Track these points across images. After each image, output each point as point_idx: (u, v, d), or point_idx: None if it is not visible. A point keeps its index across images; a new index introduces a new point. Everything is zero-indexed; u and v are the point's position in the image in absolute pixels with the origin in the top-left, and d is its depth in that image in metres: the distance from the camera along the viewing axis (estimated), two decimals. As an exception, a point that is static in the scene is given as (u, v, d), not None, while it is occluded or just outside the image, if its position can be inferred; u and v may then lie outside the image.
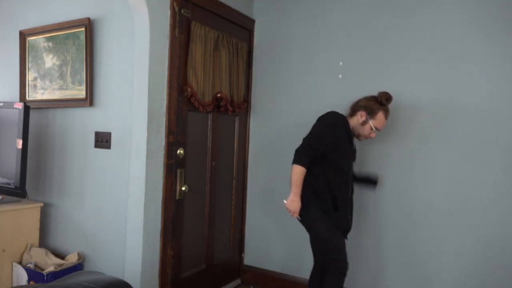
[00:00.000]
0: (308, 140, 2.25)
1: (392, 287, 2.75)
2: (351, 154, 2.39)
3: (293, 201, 2.23)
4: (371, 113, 2.33)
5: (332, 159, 2.27)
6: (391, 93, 2.62)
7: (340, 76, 2.91)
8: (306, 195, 2.27)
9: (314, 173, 2.29)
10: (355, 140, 2.44)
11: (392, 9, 2.75)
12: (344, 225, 2.35)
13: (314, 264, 2.48)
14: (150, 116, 2.38)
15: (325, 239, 2.26)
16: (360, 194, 2.81)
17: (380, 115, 2.33)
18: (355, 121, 2.37)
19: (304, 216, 2.30)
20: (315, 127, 2.31)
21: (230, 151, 3.18)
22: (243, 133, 3.28)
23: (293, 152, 2.29)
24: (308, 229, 2.35)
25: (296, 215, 2.25)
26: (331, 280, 2.26)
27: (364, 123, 2.35)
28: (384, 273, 2.78)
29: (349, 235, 2.52)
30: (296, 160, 2.22)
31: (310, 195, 2.28)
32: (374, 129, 2.35)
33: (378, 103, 2.34)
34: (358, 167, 2.84)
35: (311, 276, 2.49)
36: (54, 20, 2.87)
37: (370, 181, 2.61)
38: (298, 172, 2.21)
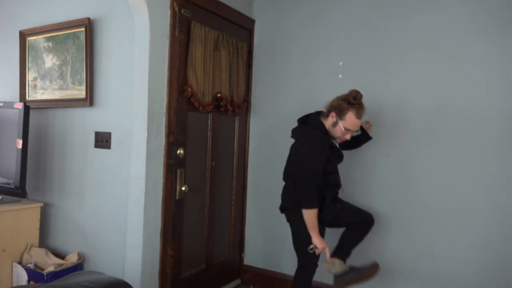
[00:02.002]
0: (307, 176, 2.20)
1: (392, 287, 2.75)
2: (336, 158, 2.35)
3: (319, 240, 2.25)
4: (340, 114, 2.22)
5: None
6: (391, 93, 2.63)
7: (340, 76, 2.91)
8: (289, 202, 2.37)
9: (294, 186, 2.33)
10: None
11: (392, 9, 2.75)
12: (332, 213, 2.35)
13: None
14: (150, 116, 2.38)
15: (302, 241, 2.33)
16: (360, 194, 2.82)
17: (350, 115, 2.20)
18: (328, 123, 2.28)
19: (291, 220, 2.41)
20: (303, 159, 2.23)
21: (230, 151, 3.18)
22: (243, 133, 3.27)
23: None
24: (292, 230, 2.43)
25: (324, 249, 2.27)
26: (298, 275, 2.40)
27: (334, 124, 2.25)
28: (384, 273, 2.78)
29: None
30: (306, 205, 2.21)
31: (292, 201, 2.34)
32: (344, 130, 2.23)
33: (347, 102, 2.22)
34: (357, 168, 2.84)
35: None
36: (54, 20, 2.87)
37: (362, 138, 2.57)
38: (312, 216, 2.21)
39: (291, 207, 2.38)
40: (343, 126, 2.23)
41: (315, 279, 2.46)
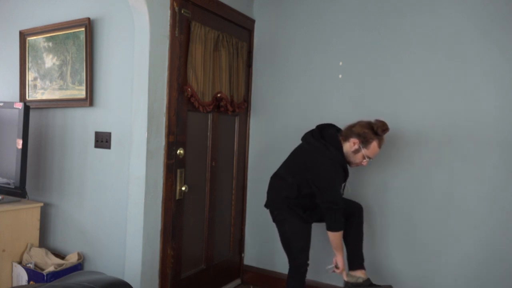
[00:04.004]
0: (332, 199, 2.23)
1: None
2: (346, 179, 2.39)
3: (340, 261, 2.34)
4: (364, 142, 2.23)
5: None
6: (391, 93, 2.63)
7: (340, 76, 2.91)
8: (277, 200, 2.40)
9: (290, 183, 2.36)
10: None
11: (392, 9, 2.75)
12: (319, 216, 2.39)
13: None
14: (150, 116, 2.38)
15: (289, 240, 2.38)
16: (359, 194, 2.82)
17: (374, 144, 2.24)
18: (347, 147, 2.29)
19: (276, 220, 2.44)
20: (327, 180, 2.25)
21: (230, 151, 3.18)
22: (243, 133, 3.27)
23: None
24: (278, 230, 2.45)
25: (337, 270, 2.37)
26: (290, 275, 2.41)
27: (356, 151, 2.26)
28: (384, 273, 2.78)
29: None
30: (332, 227, 2.27)
31: (282, 204, 2.38)
32: (366, 158, 2.27)
33: (373, 132, 2.23)
34: (356, 169, 2.84)
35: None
36: (54, 20, 2.87)
37: None
38: (338, 237, 2.29)
39: (279, 207, 2.40)
40: (366, 154, 2.26)
41: (310, 278, 2.47)
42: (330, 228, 2.27)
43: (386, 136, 2.71)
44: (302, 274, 2.39)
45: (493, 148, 2.46)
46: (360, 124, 2.29)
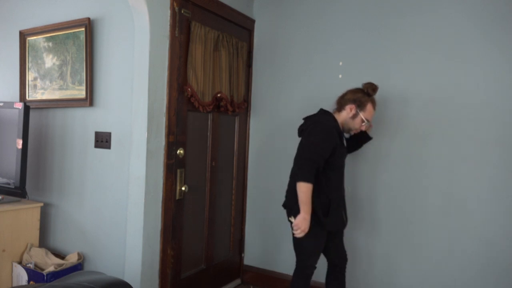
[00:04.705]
0: (308, 155, 2.20)
1: (391, 283, 2.75)
2: (344, 154, 2.38)
3: (305, 219, 2.18)
4: (360, 106, 2.31)
5: (326, 161, 2.26)
6: (391, 93, 2.63)
7: (340, 76, 2.91)
8: (296, 204, 2.27)
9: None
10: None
11: (392, 9, 2.75)
12: (338, 225, 2.38)
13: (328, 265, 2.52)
14: (150, 116, 2.38)
15: (301, 241, 2.30)
16: (359, 194, 2.82)
17: (369, 106, 2.32)
18: (344, 116, 2.34)
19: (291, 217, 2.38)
20: (310, 139, 2.25)
21: (230, 151, 3.18)
22: (243, 133, 3.28)
23: (293, 150, 2.28)
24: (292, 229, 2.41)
25: (303, 234, 2.20)
26: (296, 275, 2.37)
27: (354, 116, 2.32)
28: (384, 273, 2.78)
29: (350, 236, 2.52)
30: (301, 178, 2.18)
31: (295, 200, 2.29)
32: (365, 121, 2.33)
33: (366, 94, 2.33)
34: (356, 167, 2.85)
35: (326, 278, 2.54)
36: (54, 20, 2.87)
37: (363, 139, 2.58)
38: (305, 189, 2.17)
39: (292, 207, 2.37)
40: (364, 117, 2.32)
41: (314, 279, 2.46)
42: (297, 177, 2.20)
43: (387, 134, 2.73)
44: (307, 276, 2.36)
45: (493, 148, 2.46)
46: (350, 91, 2.38)
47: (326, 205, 2.28)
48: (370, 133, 2.59)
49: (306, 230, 2.20)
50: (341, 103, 2.37)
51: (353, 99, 2.33)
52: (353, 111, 2.32)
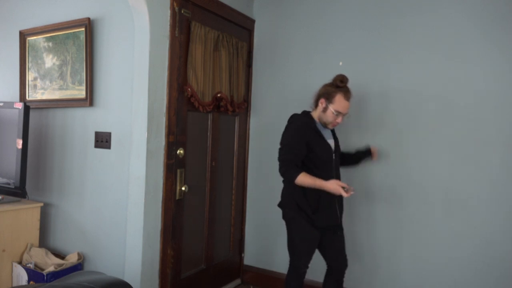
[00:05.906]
0: (283, 156, 2.27)
1: (390, 283, 2.75)
2: (326, 147, 2.36)
3: (330, 185, 2.19)
4: (329, 98, 2.31)
5: (308, 157, 2.30)
6: (392, 93, 2.63)
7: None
8: (286, 200, 2.39)
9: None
10: (343, 133, 2.46)
11: (392, 9, 2.75)
12: (329, 221, 2.35)
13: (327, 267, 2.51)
14: (150, 116, 2.38)
15: (294, 241, 2.36)
16: (359, 195, 2.82)
17: (339, 97, 2.29)
18: (318, 110, 2.37)
19: (285, 218, 2.42)
20: (282, 140, 2.34)
21: (230, 151, 3.18)
22: (243, 133, 3.27)
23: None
24: (286, 229, 2.44)
25: (345, 191, 2.17)
26: (289, 274, 2.41)
27: (325, 109, 2.34)
28: (384, 274, 2.78)
29: (350, 236, 2.50)
30: (292, 178, 2.24)
31: (290, 203, 2.36)
32: (335, 113, 2.30)
33: (334, 86, 2.33)
34: (356, 167, 2.85)
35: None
36: (54, 20, 2.87)
37: (365, 154, 2.61)
38: (303, 180, 2.22)
39: (285, 206, 2.40)
40: (333, 109, 2.30)
41: (309, 278, 2.45)
42: (290, 179, 2.26)
43: (388, 136, 2.73)
44: (300, 275, 2.39)
45: (493, 148, 2.46)
46: (322, 86, 2.41)
47: (315, 201, 2.29)
48: (373, 137, 2.57)
49: (339, 186, 2.18)
50: (315, 99, 2.42)
51: (322, 92, 2.36)
52: (323, 104, 2.34)
